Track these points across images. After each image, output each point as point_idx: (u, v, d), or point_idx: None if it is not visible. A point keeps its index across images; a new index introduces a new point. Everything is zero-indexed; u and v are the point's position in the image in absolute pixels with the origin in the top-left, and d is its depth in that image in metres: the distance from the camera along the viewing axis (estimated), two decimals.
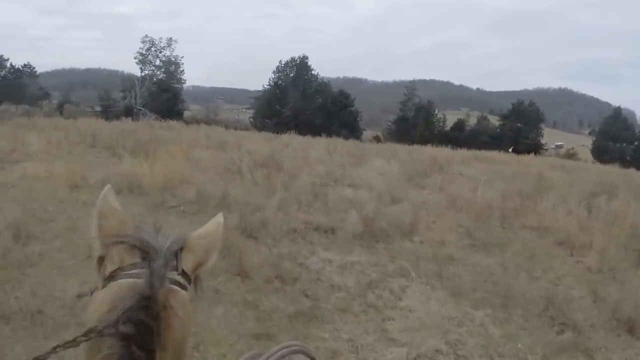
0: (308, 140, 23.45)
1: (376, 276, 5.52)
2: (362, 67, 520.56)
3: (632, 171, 30.23)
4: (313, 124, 51.27)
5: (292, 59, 60.04)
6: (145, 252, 0.91)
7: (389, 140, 51.86)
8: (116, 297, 0.84)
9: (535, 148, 62.61)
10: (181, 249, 0.97)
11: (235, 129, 31.25)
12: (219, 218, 1.15)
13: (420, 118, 60.50)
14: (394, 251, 6.51)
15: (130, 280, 0.87)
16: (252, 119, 59.18)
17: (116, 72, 67.80)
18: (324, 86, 60.36)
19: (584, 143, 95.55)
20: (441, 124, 63.35)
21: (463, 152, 25.95)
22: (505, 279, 5.79)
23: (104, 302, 0.86)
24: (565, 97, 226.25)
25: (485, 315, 4.78)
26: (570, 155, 67.77)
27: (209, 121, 43.70)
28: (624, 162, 61.00)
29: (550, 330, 4.71)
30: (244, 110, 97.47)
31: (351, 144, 23.66)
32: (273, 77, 59.73)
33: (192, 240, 1.02)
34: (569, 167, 22.49)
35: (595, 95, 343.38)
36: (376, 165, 13.75)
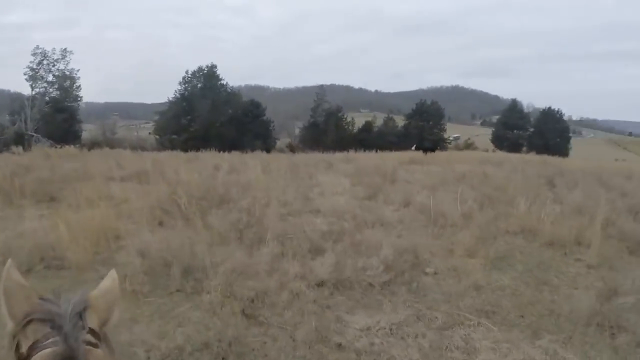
0: (233, 157, 21.20)
1: (433, 336, 4.36)
2: (265, 75, 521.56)
3: (546, 157, 31.89)
4: (225, 137, 48.30)
5: (200, 68, 56.24)
6: (52, 321, 0.96)
7: (303, 148, 50.95)
8: None
9: (440, 143, 64.95)
10: (84, 309, 1.02)
11: (142, 149, 28.02)
12: (113, 274, 1.21)
13: (331, 123, 59.89)
14: (422, 294, 5.36)
15: (48, 350, 0.91)
16: (157, 137, 54.33)
17: (2, 91, 58.53)
18: (233, 96, 57.23)
19: (477, 133, 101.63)
20: (350, 127, 63.05)
21: (393, 156, 25.10)
22: (535, 296, 5.44)
23: None
24: (457, 93, 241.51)
25: (550, 342, 4.30)
26: (468, 145, 71.69)
27: (111, 143, 39.28)
28: (518, 148, 67.51)
29: (605, 336, 4.45)
30: (142, 126, 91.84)
31: (280, 158, 21.71)
32: (179, 88, 55.45)
33: (93, 300, 1.07)
34: (495, 161, 22.47)
35: (485, 90, 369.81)
36: (328, 183, 12.18)
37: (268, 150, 41.29)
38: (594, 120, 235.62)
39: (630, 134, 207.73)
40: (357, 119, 67.99)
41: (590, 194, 11.00)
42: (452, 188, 11.28)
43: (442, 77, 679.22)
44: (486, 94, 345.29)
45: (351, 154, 29.21)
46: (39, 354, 0.91)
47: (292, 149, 53.35)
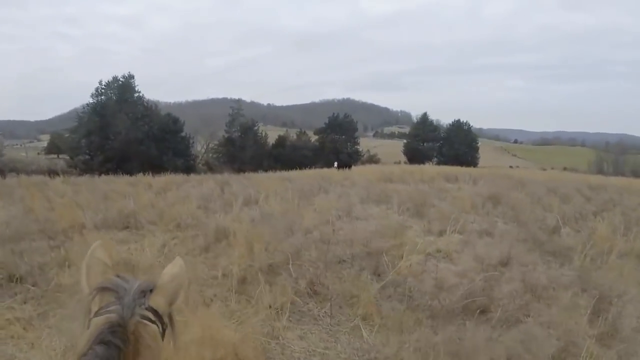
0: (169, 180, 18.34)
1: None
2: (157, 89, 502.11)
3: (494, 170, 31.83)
4: (145, 156, 43.59)
5: (115, 79, 50.37)
6: (117, 292, 1.06)
7: (219, 167, 48.09)
8: (94, 329, 1.00)
9: (356, 157, 64.94)
10: (150, 290, 1.12)
11: (51, 175, 23.71)
12: (179, 261, 1.29)
13: (248, 138, 57.18)
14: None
15: (106, 315, 1.02)
16: (67, 158, 47.83)
17: None
18: (150, 110, 51.77)
19: (374, 144, 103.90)
20: (264, 142, 60.92)
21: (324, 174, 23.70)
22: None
23: (86, 335, 1.00)
24: (348, 106, 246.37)
25: None
26: (372, 157, 72.82)
27: (4, 166, 33.66)
28: (429, 159, 70.02)
29: None
30: (27, 145, 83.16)
31: (225, 180, 19.14)
32: (91, 101, 49.08)
33: (161, 284, 1.16)
34: (451, 176, 21.54)
35: (375, 102, 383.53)
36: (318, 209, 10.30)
37: (189, 170, 37.84)
38: (480, 129, 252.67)
39: (515, 141, 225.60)
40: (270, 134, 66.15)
41: None
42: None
43: (335, 91, 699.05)
44: (376, 106, 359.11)
45: (280, 172, 27.33)
46: (96, 318, 1.02)
47: (210, 168, 49.93)
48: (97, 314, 1.04)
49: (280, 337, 4.36)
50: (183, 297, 1.20)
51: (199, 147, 62.99)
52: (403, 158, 74.21)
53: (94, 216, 8.62)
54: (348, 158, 62.48)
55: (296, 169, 58.99)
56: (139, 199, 10.74)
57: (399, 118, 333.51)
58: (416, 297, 5.37)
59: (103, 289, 1.08)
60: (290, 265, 5.84)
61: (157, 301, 1.11)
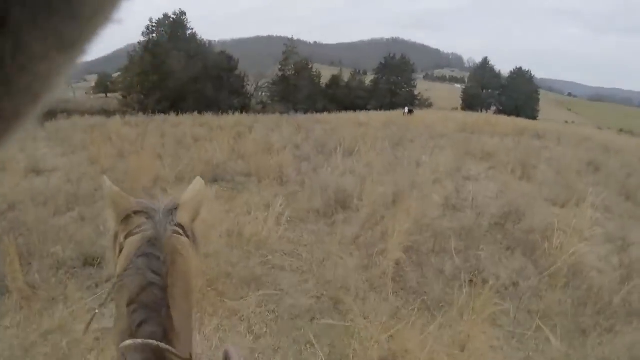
0: (237, 121, 17.42)
1: None
2: (200, 26, 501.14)
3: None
4: (202, 95, 42.31)
5: (166, 16, 48.37)
6: (148, 214, 1.10)
7: (275, 107, 47.05)
8: (131, 247, 1.02)
9: (412, 100, 62.77)
10: (175, 207, 1.15)
11: (107, 115, 22.88)
12: (200, 180, 1.30)
13: (303, 77, 55.48)
14: None
15: (139, 235, 1.04)
16: (121, 98, 45.87)
17: None
18: (204, 48, 49.79)
19: (426, 88, 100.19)
20: (317, 81, 59.16)
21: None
22: None
23: (124, 255, 1.03)
24: (397, 46, 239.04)
25: None
26: (424, 101, 69.88)
27: (63, 109, 32.66)
28: (488, 108, 67.52)
29: None
30: (74, 86, 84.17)
31: (305, 123, 18.07)
32: (142, 39, 47.02)
33: (184, 202, 1.18)
34: (540, 134, 19.81)
35: (426, 43, 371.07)
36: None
37: (245, 109, 36.80)
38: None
39: (569, 94, 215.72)
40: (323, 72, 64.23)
41: None
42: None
43: (383, 29, 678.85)
44: (427, 47, 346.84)
45: (347, 114, 26.14)
46: (131, 237, 1.05)
47: (264, 107, 48.97)
48: (130, 234, 1.06)
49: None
50: (203, 214, 1.24)
51: (249, 87, 61.71)
52: (457, 104, 71.61)
53: (175, 167, 7.70)
54: (404, 101, 60.54)
55: (353, 110, 58.06)
56: (219, 144, 9.82)
57: (450, 61, 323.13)
58: (591, 293, 4.54)
59: (134, 212, 1.10)
60: (452, 249, 5.06)
61: (183, 217, 1.15)
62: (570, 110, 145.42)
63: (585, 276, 4.94)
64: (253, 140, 11.01)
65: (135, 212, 1.11)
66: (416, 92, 67.31)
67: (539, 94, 71.41)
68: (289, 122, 17.92)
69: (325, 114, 31.41)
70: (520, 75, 68.91)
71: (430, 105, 67.02)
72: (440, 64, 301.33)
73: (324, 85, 59.60)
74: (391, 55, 66.12)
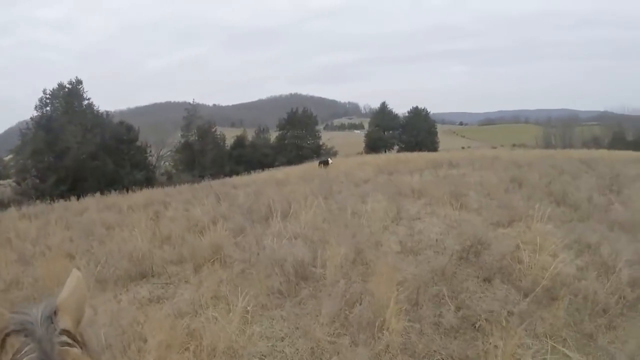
0: (148, 198, 16.05)
1: None
2: (96, 97, 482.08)
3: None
4: (102, 172, 38.94)
5: (61, 86, 44.24)
6: (26, 330, 0.96)
7: (181, 176, 45.09)
8: None
9: (318, 150, 63.58)
10: (54, 312, 1.02)
11: (4, 205, 20.53)
12: (76, 273, 1.16)
13: (207, 142, 54.33)
14: None
15: (26, 358, 0.92)
16: (15, 185, 40.30)
17: None
18: (101, 118, 45.87)
19: (327, 137, 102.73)
20: (222, 143, 58.30)
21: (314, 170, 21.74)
22: None
23: None
24: (296, 101, 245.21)
25: None
26: (330, 150, 71.21)
27: None
28: (391, 147, 70.20)
29: None
30: None
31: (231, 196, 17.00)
32: (35, 114, 42.66)
33: (62, 303, 1.06)
34: (453, 162, 20.24)
35: (323, 95, 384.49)
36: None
37: (150, 183, 34.66)
38: None
39: (461, 124, 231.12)
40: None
41: None
42: None
43: (281, 86, 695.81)
44: (324, 98, 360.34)
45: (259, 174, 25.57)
46: None
47: (169, 177, 46.89)
48: None
49: None
50: (87, 312, 1.10)
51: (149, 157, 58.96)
52: (360, 148, 73.69)
53: (93, 268, 6.24)
54: (311, 153, 61.19)
55: (261, 168, 57.37)
56: (137, 230, 8.52)
57: (347, 109, 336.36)
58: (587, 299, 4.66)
59: (9, 334, 0.96)
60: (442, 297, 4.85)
61: (66, 321, 1.02)
62: (464, 137, 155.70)
63: (573, 285, 4.94)
64: (173, 219, 9.89)
65: (10, 333, 0.96)
66: (322, 142, 68.43)
67: (436, 128, 75.75)
68: (204, 191, 16.88)
69: (235, 177, 30.44)
70: (417, 114, 72.88)
71: (335, 154, 68.20)
72: (338, 113, 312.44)
73: (228, 147, 58.77)
74: (294, 110, 67.08)
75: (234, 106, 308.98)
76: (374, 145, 68.34)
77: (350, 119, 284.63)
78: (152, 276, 6.21)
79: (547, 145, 73.85)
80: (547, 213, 7.25)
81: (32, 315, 1.00)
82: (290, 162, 55.72)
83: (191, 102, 62.95)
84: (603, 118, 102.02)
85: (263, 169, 56.73)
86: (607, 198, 10.09)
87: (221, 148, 56.55)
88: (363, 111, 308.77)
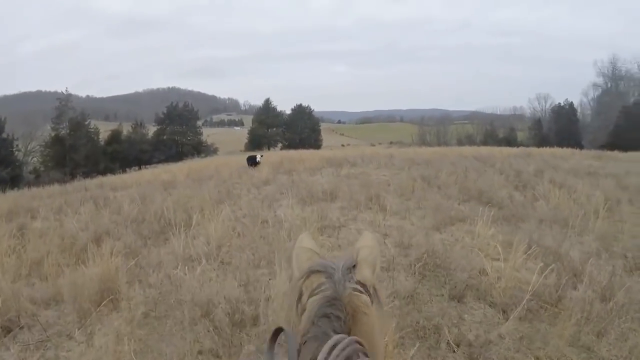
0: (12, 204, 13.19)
1: None
2: None
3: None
4: None
5: None
6: (328, 273, 1.11)
7: (51, 173, 39.89)
8: (312, 308, 1.05)
9: (199, 147, 60.96)
10: (354, 265, 1.16)
11: None
12: (369, 234, 1.36)
13: (79, 136, 48.97)
14: None
15: (320, 295, 1.07)
16: None
17: None
18: None
19: (207, 134, 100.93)
20: (96, 138, 53.15)
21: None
22: None
23: (306, 316, 1.06)
24: (174, 95, 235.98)
25: None
26: (211, 146, 69.16)
27: None
28: (274, 145, 69.50)
29: None
30: None
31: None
32: None
33: (362, 258, 1.20)
34: (350, 160, 19.69)
35: (202, 91, 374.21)
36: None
37: (16, 182, 29.98)
38: None
39: (339, 122, 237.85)
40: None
41: None
42: None
43: (159, 79, 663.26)
44: (203, 94, 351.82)
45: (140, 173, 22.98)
46: (312, 297, 1.07)
47: (37, 175, 41.32)
48: (311, 294, 1.09)
49: None
50: (378, 271, 1.21)
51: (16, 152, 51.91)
52: (241, 145, 72.18)
53: None
54: (192, 150, 58.47)
55: (138, 166, 53.36)
56: None
57: (227, 105, 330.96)
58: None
59: (313, 272, 1.13)
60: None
61: (363, 274, 1.15)
62: (342, 134, 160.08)
63: (553, 295, 4.49)
64: (43, 233, 7.55)
65: (314, 272, 1.13)
66: (204, 139, 65.73)
67: (319, 126, 76.31)
68: (79, 194, 14.46)
69: (111, 175, 27.35)
70: (301, 111, 72.99)
71: (216, 150, 65.75)
72: (218, 109, 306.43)
73: (103, 143, 53.89)
74: (173, 104, 63.53)
75: (109, 98, 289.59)
76: (257, 142, 67.33)
77: (230, 115, 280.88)
78: (21, 328, 4.24)
79: (423, 142, 77.79)
80: (481, 214, 6.77)
81: (336, 263, 1.13)
82: (168, 159, 52.83)
83: (64, 91, 56.18)
84: (473, 117, 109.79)
85: (141, 167, 53.10)
86: (523, 195, 10.22)
87: (95, 143, 51.59)
88: (243, 107, 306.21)
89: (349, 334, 0.98)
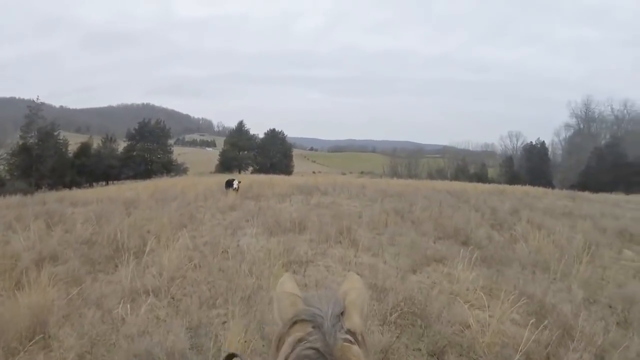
0: None
1: None
2: None
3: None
4: None
5: None
6: (315, 322, 1.00)
7: (14, 183, 37.98)
8: None
9: (168, 166, 59.71)
10: (342, 312, 1.05)
11: None
12: (354, 276, 1.22)
13: (47, 147, 47.13)
14: None
15: (307, 345, 0.95)
16: None
17: None
18: None
19: (178, 153, 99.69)
20: (64, 150, 51.37)
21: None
22: None
23: None
24: (148, 111, 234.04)
25: None
26: (181, 166, 67.76)
27: None
28: (245, 168, 68.71)
29: None
30: None
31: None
32: None
33: (350, 304, 1.09)
34: (322, 189, 19.07)
35: (176, 109, 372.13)
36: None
37: None
38: None
39: (312, 149, 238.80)
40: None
41: None
42: None
43: (134, 95, 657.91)
44: (177, 112, 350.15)
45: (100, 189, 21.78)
46: (298, 348, 0.97)
47: (1, 184, 39.21)
48: (297, 345, 0.98)
49: None
50: (365, 314, 1.11)
51: None
52: (212, 167, 71.17)
53: None
54: (161, 168, 57.17)
55: (105, 181, 51.70)
56: None
57: (200, 126, 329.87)
58: None
59: (298, 321, 1.04)
60: None
61: (352, 321, 1.05)
62: (314, 161, 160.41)
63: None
64: None
65: (300, 320, 1.03)
66: (174, 157, 64.49)
67: (292, 151, 76.04)
68: (36, 207, 13.44)
69: (76, 189, 26.26)
70: (274, 136, 72.56)
71: (186, 170, 64.44)
72: (191, 128, 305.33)
73: (71, 155, 52.17)
74: (145, 120, 62.36)
75: (82, 110, 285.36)
76: (228, 164, 66.35)
77: (202, 135, 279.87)
78: None
79: (394, 174, 78.03)
80: (459, 255, 6.27)
81: (324, 310, 1.03)
82: (136, 176, 51.60)
83: (35, 99, 54.17)
84: (445, 151, 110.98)
85: (108, 182, 51.57)
86: (502, 236, 9.80)
87: (63, 155, 49.70)
88: (216, 129, 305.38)
89: None
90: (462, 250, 6.58)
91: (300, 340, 0.99)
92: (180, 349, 3.63)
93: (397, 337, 4.29)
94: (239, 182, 17.91)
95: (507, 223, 11.31)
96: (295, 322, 1.03)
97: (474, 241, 8.73)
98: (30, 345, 3.83)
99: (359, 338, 1.03)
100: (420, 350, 4.15)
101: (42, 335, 3.96)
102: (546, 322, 4.31)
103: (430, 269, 6.99)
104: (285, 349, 1.00)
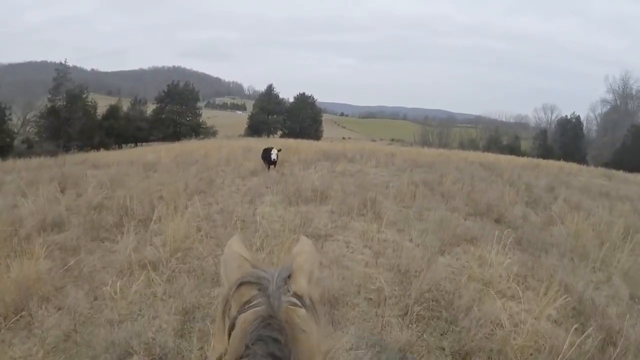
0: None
1: None
2: None
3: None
4: None
5: None
6: (260, 285, 0.98)
7: (44, 144, 38.61)
8: (245, 326, 0.91)
9: (197, 129, 59.80)
10: (289, 275, 1.02)
11: None
12: (306, 240, 1.19)
13: (76, 109, 47.63)
14: None
15: (253, 309, 0.93)
16: None
17: None
18: None
19: (208, 116, 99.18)
20: (93, 112, 51.86)
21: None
22: None
23: (237, 337, 0.91)
24: (179, 74, 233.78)
25: None
26: (210, 129, 67.84)
27: None
28: (275, 132, 68.37)
29: None
30: None
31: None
32: None
33: (297, 267, 1.06)
34: (349, 156, 18.46)
35: (207, 72, 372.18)
36: None
37: (6, 152, 28.91)
38: None
39: (342, 114, 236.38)
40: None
41: None
42: None
43: (164, 58, 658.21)
44: (208, 75, 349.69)
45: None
46: (243, 314, 0.95)
47: (30, 146, 39.86)
48: (241, 310, 0.96)
49: None
50: (315, 278, 1.09)
51: (15, 120, 50.67)
52: (241, 130, 70.83)
53: None
54: (190, 130, 57.26)
55: (134, 142, 52.14)
56: None
57: (231, 89, 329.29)
58: None
59: (243, 284, 1.00)
60: None
61: (299, 284, 1.02)
62: (344, 127, 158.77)
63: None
64: None
65: (246, 283, 0.99)
66: (202, 120, 64.49)
67: (321, 117, 75.01)
68: (55, 169, 13.28)
69: (103, 151, 26.55)
70: (303, 100, 71.46)
71: (215, 133, 64.45)
72: (221, 91, 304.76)
73: (100, 117, 52.64)
74: (175, 82, 62.22)
75: (113, 73, 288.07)
76: (257, 128, 65.84)
77: (233, 98, 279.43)
78: None
79: (425, 142, 76.61)
80: (492, 236, 5.72)
81: (269, 273, 1.02)
82: (165, 138, 51.74)
83: (64, 62, 54.47)
84: (477, 121, 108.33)
85: (136, 144, 51.95)
86: (538, 215, 9.19)
87: (91, 117, 50.19)
88: (247, 92, 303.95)
89: (289, 356, 0.85)
90: (495, 231, 5.99)
91: (244, 304, 0.96)
92: (162, 343, 3.19)
93: (420, 336, 3.77)
94: (279, 150, 14.57)
95: (542, 201, 10.62)
96: (240, 284, 1.00)
97: (508, 220, 8.16)
98: (12, 323, 3.51)
99: (307, 301, 1.01)
100: (444, 349, 3.65)
101: (23, 313, 3.60)
102: (590, 328, 3.72)
103: (459, 250, 6.45)
104: (232, 312, 0.97)
